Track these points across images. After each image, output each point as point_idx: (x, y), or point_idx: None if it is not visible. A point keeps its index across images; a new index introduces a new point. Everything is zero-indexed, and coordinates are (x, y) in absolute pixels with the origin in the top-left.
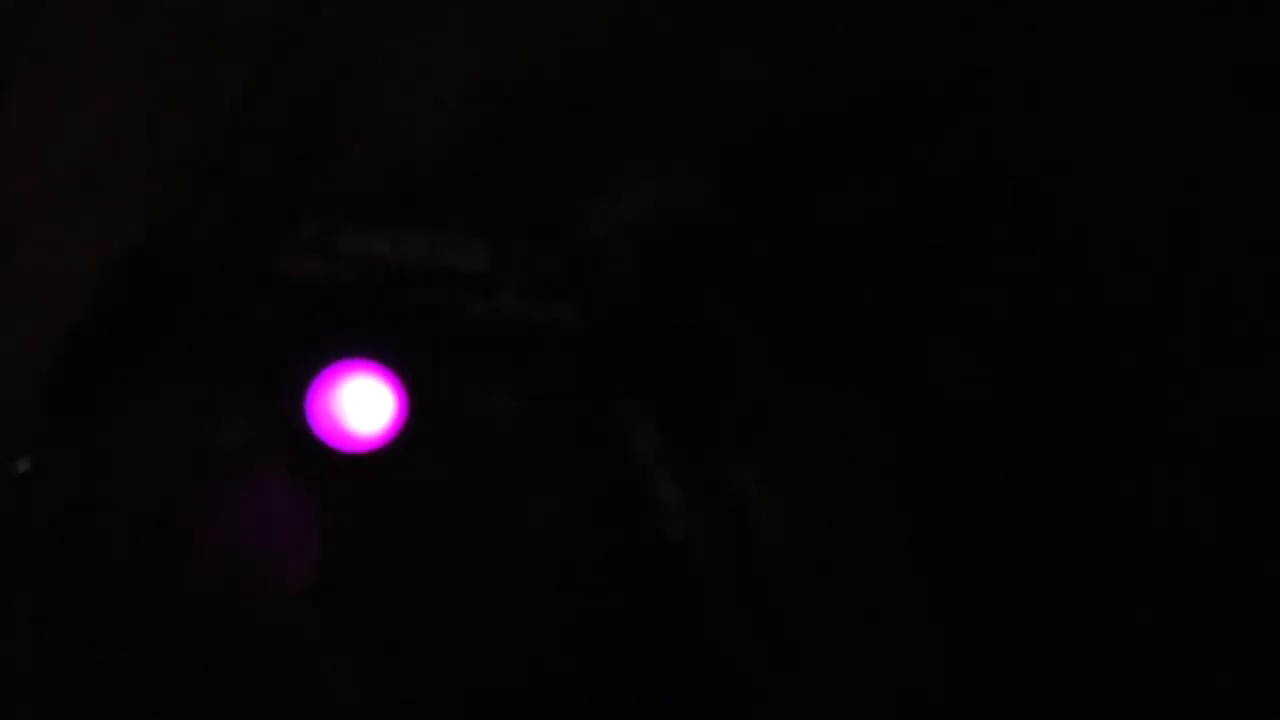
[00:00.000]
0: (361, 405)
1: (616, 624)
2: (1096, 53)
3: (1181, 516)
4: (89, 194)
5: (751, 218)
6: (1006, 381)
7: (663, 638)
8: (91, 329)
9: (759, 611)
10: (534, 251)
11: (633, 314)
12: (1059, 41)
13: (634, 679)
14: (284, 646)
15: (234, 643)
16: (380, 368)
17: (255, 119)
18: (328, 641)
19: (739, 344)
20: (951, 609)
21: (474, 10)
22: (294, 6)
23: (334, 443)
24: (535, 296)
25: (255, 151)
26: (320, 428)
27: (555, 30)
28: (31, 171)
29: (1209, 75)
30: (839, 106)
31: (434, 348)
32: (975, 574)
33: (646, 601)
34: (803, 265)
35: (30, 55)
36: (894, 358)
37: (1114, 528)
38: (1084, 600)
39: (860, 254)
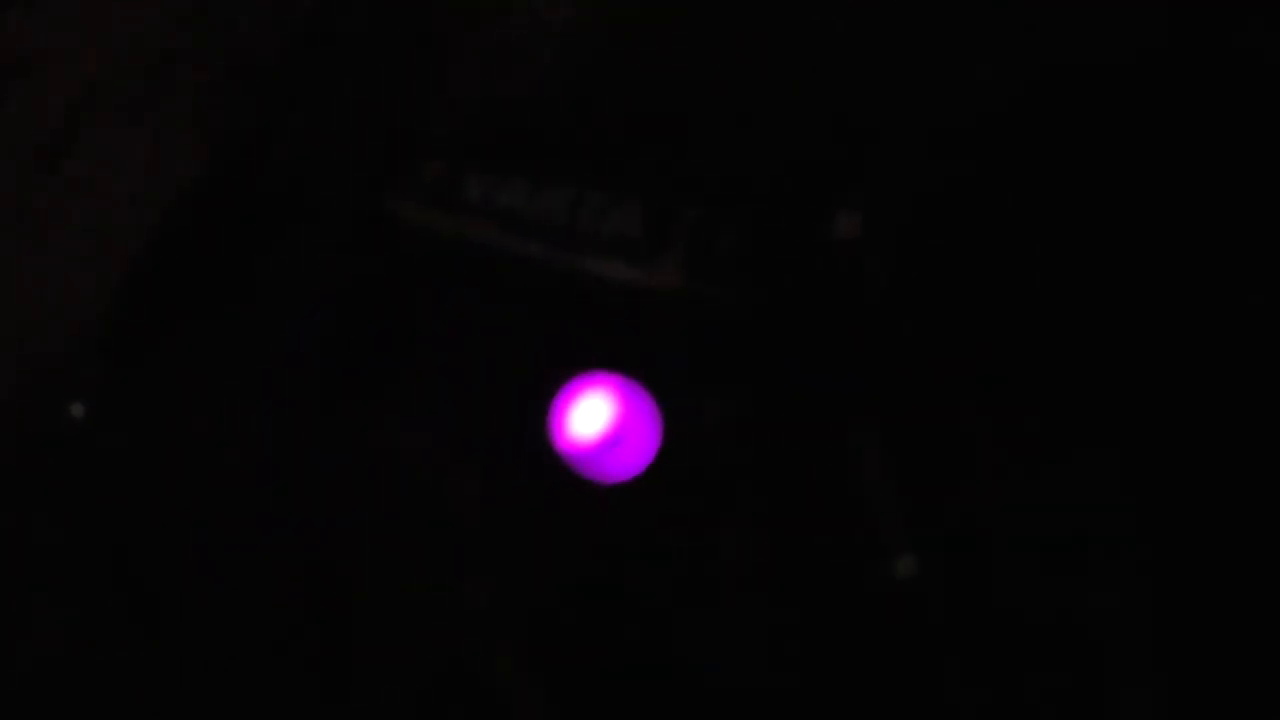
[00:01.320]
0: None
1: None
2: None
3: None
4: (155, 94)
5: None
6: None
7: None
8: (154, 258)
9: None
10: (704, 222)
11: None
12: None
13: None
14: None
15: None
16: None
17: (342, 30)
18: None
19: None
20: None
21: None
22: None
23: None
24: (705, 275)
25: (346, 70)
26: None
27: None
28: (94, 56)
29: None
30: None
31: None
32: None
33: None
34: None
35: None
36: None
37: None
38: None
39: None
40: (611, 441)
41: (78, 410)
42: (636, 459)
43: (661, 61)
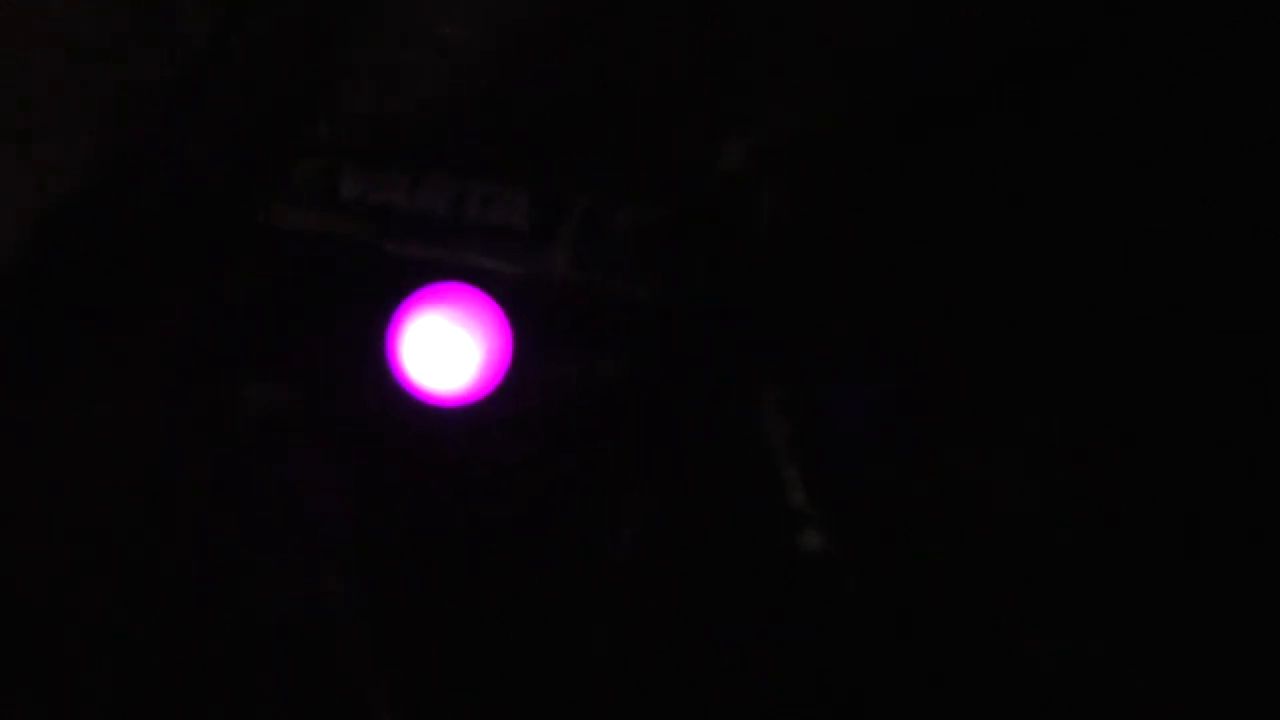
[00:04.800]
0: (447, 354)
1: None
2: None
3: None
4: (36, 130)
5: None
6: None
7: (783, 653)
8: (32, 285)
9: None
10: (595, 207)
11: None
12: None
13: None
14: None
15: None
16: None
17: (228, 57)
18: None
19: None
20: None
21: None
22: None
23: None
24: (595, 262)
25: (230, 91)
26: (401, 378)
27: None
28: None
29: None
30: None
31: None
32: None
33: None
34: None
35: None
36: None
37: None
38: None
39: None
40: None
41: None
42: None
43: (555, 72)
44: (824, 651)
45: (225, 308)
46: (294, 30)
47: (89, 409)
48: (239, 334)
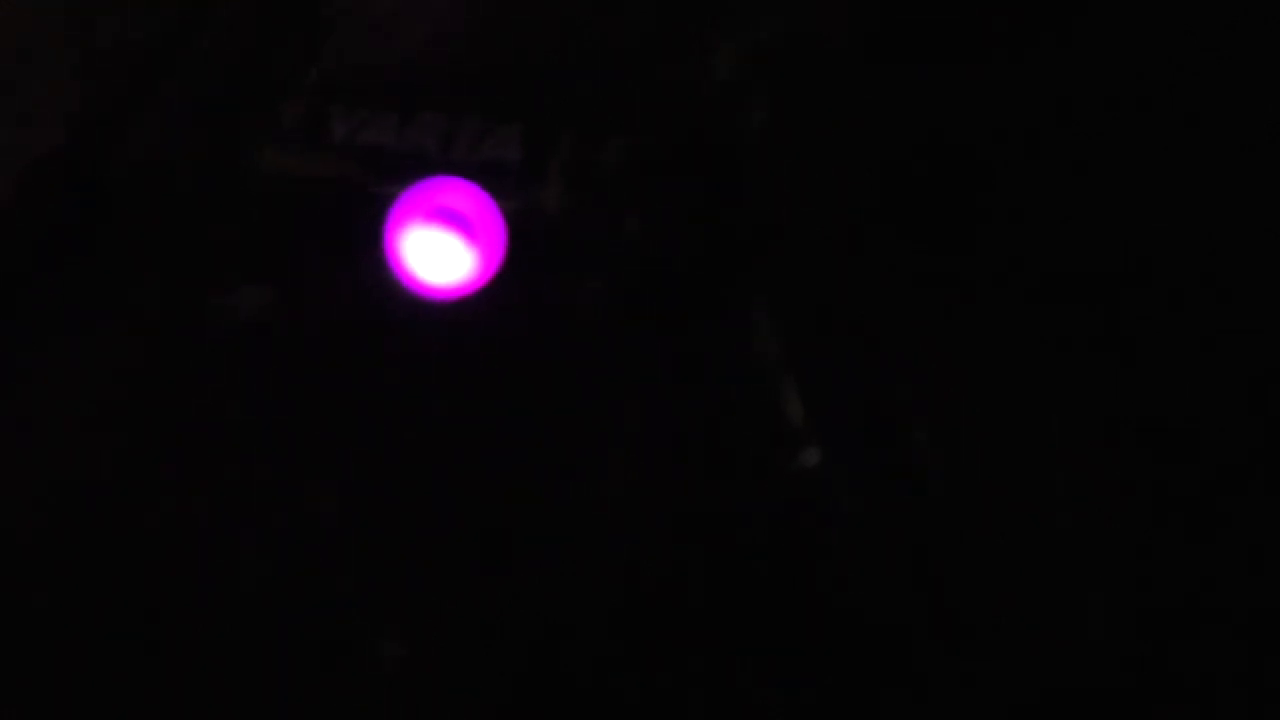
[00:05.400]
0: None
1: (726, 562)
2: None
3: None
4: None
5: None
6: None
7: (785, 582)
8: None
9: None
10: (585, 140)
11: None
12: None
13: (746, 632)
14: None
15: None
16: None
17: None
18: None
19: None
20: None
21: None
22: None
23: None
24: (586, 196)
25: (202, 53)
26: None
27: None
28: None
29: None
30: None
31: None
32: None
33: (763, 538)
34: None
35: None
36: None
37: None
38: None
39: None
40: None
41: None
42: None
43: (542, 20)
44: (822, 572)
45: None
46: None
47: (65, 364)
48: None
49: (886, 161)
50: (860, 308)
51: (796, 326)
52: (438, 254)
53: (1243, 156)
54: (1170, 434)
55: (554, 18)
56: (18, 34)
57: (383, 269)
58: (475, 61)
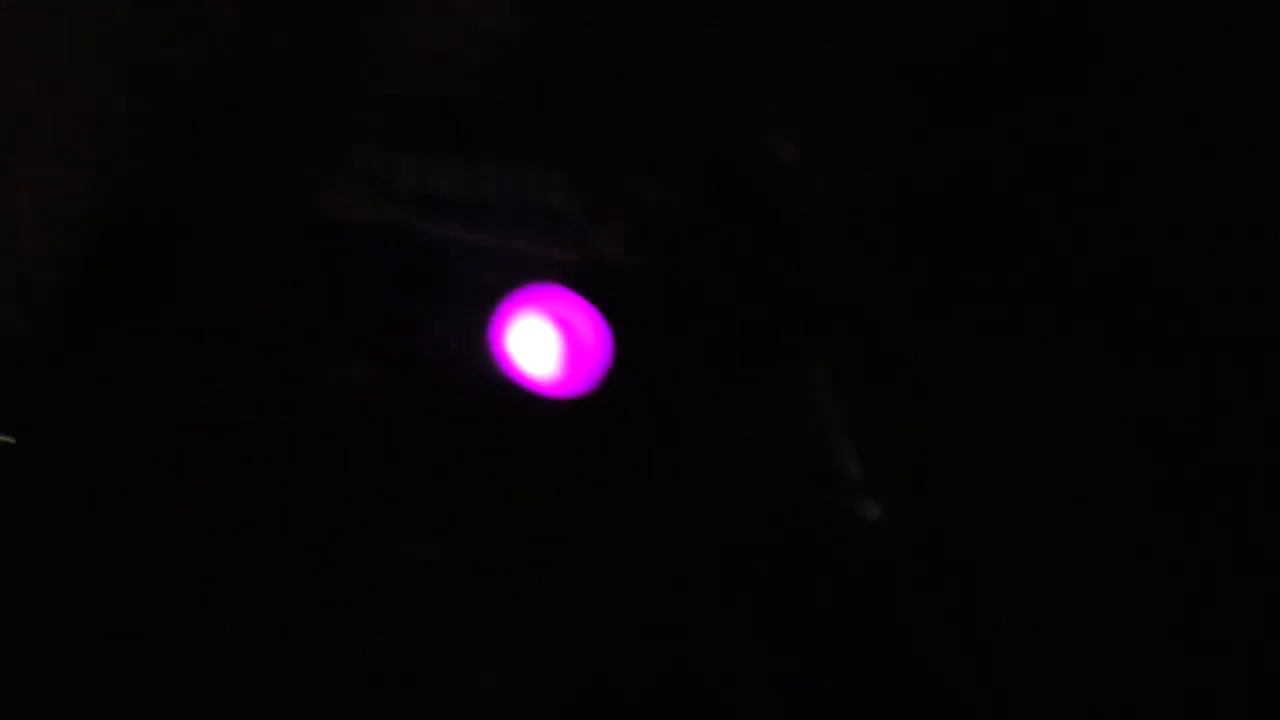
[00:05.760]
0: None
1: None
2: None
3: None
4: (66, 118)
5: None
6: None
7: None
8: (82, 279)
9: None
10: (642, 190)
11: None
12: None
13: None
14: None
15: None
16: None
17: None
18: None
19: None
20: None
21: None
22: None
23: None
24: (646, 245)
25: (263, 77)
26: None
27: None
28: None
29: None
30: None
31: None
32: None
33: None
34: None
35: None
36: None
37: None
38: None
39: None
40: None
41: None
42: (586, 372)
43: (593, 57)
44: (879, 616)
45: (287, 291)
46: (324, 13)
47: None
48: (308, 313)
49: (936, 216)
50: (912, 361)
51: (853, 381)
52: (544, 352)
53: (1241, 157)
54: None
55: (615, 71)
56: (73, 71)
57: (464, 330)
58: (533, 109)
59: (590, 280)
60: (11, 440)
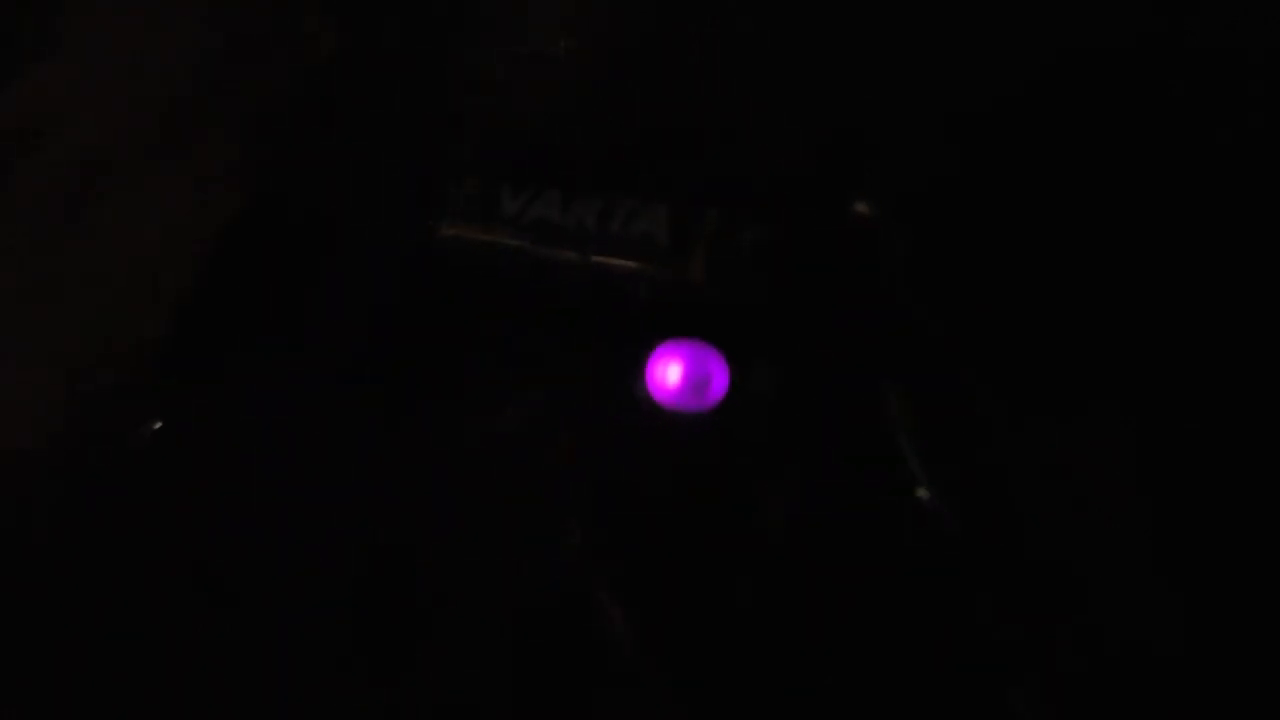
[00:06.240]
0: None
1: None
2: None
3: None
4: (183, 134)
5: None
6: None
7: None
8: (206, 290)
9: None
10: (724, 223)
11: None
12: None
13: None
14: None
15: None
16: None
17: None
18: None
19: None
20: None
21: None
22: None
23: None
24: (726, 272)
25: (369, 106)
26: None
27: None
28: (120, 104)
29: None
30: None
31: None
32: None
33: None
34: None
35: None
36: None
37: None
38: None
39: None
40: (694, 382)
41: (148, 429)
42: (714, 394)
43: (666, 83)
44: (929, 592)
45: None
46: (417, 43)
47: (259, 399)
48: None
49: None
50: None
51: (918, 398)
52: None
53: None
54: None
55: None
56: (186, 90)
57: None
58: (609, 137)
59: (678, 299)
60: (159, 425)
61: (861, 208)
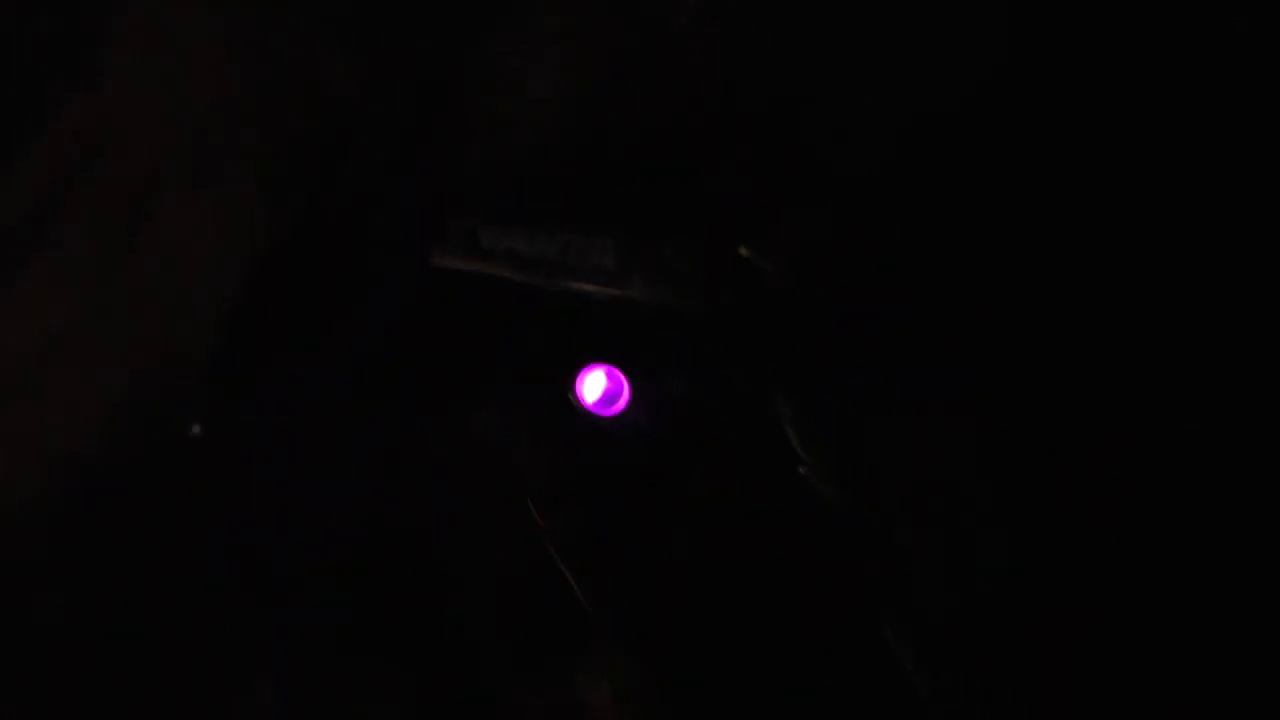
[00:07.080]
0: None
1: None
2: None
3: None
4: (224, 160)
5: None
6: None
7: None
8: (249, 305)
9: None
10: (661, 249)
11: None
12: None
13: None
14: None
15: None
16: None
17: (369, 111)
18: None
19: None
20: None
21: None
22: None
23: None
24: (662, 289)
25: (378, 143)
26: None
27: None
28: (168, 130)
29: None
30: None
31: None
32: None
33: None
34: None
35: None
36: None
37: None
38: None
39: None
40: (607, 396)
41: (197, 430)
42: (620, 405)
43: (627, 122)
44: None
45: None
46: (425, 86)
47: (296, 405)
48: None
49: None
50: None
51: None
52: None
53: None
54: None
55: (640, 135)
56: (225, 118)
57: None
58: (572, 169)
59: (624, 312)
60: (200, 431)
61: (744, 251)
